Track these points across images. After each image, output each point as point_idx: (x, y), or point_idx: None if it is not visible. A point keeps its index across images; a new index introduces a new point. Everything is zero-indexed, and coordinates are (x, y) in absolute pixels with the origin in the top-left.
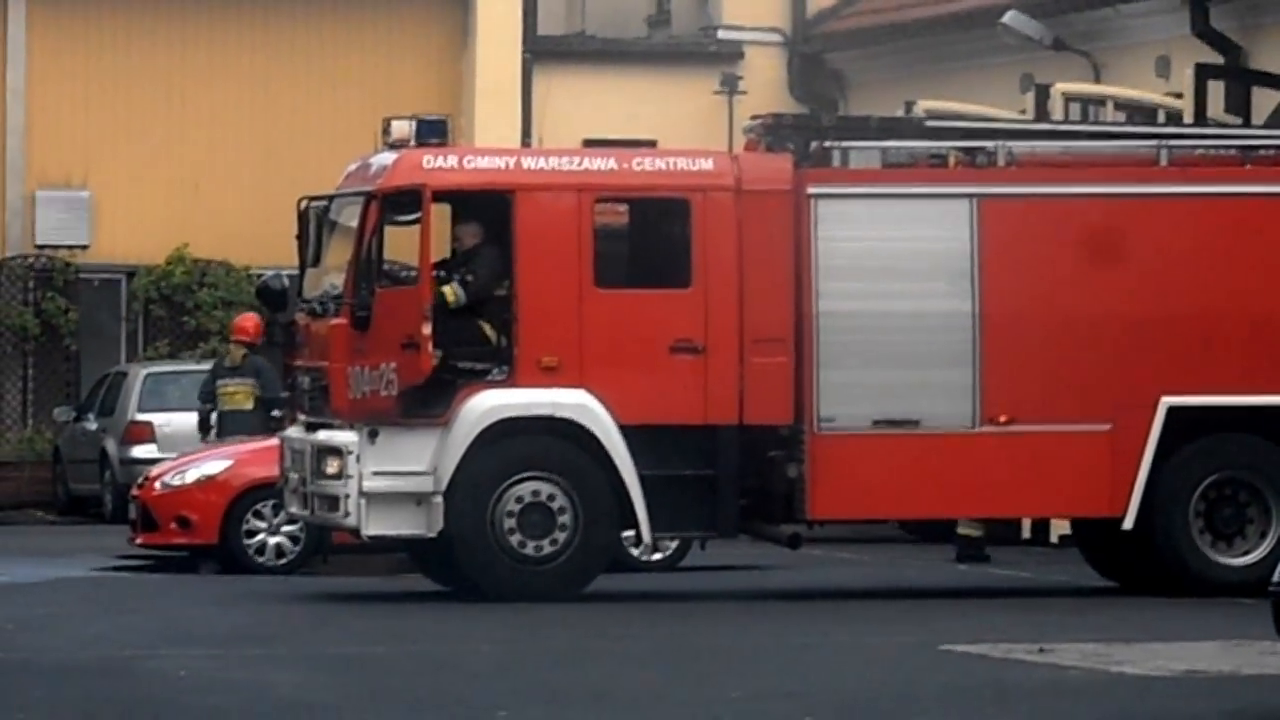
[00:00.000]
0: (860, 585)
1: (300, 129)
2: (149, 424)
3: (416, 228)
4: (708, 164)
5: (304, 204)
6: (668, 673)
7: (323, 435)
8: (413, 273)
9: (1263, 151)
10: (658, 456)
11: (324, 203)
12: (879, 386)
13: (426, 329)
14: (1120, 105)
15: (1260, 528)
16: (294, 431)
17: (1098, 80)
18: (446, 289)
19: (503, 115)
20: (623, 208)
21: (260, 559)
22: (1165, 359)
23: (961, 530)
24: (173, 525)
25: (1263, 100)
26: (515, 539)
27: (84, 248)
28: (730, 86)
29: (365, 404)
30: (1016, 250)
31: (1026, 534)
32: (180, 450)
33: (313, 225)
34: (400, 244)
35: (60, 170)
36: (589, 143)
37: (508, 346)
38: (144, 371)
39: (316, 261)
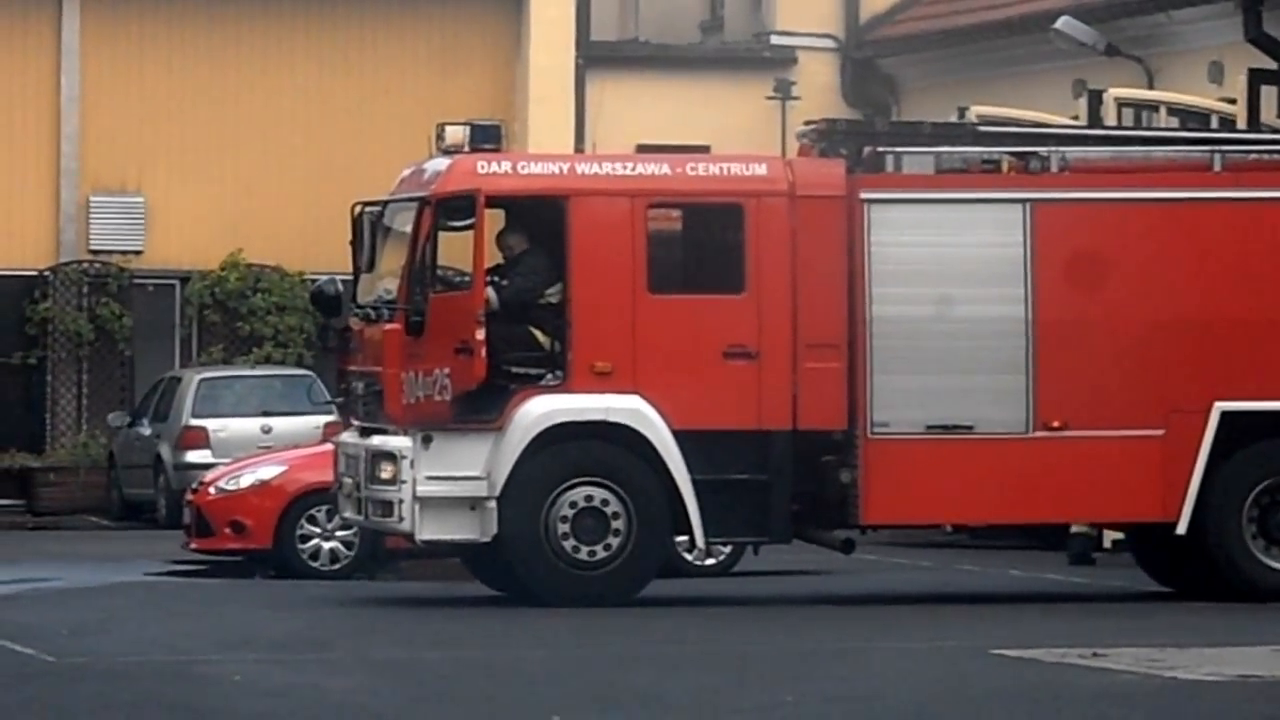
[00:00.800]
0: (913, 590)
1: (354, 134)
2: (203, 429)
3: (470, 233)
4: (761, 169)
5: (358, 209)
6: (720, 677)
7: (377, 440)
8: (466, 278)
9: None
10: (711, 461)
11: (378, 208)
12: (932, 391)
13: (480, 334)
14: (1173, 110)
15: None
16: (348, 436)
17: (1150, 86)
18: (488, 292)
19: (556, 121)
20: (676, 213)
21: (314, 564)
22: (1218, 364)
23: (1075, 530)
24: (227, 530)
25: None
26: (569, 544)
27: (138, 253)
28: (783, 92)
29: (419, 409)
30: (1070, 255)
31: None
32: (234, 455)
33: (367, 231)
34: (454, 250)
35: (115, 176)
36: (642, 148)
37: (561, 351)
38: (198, 377)
39: (371, 267)
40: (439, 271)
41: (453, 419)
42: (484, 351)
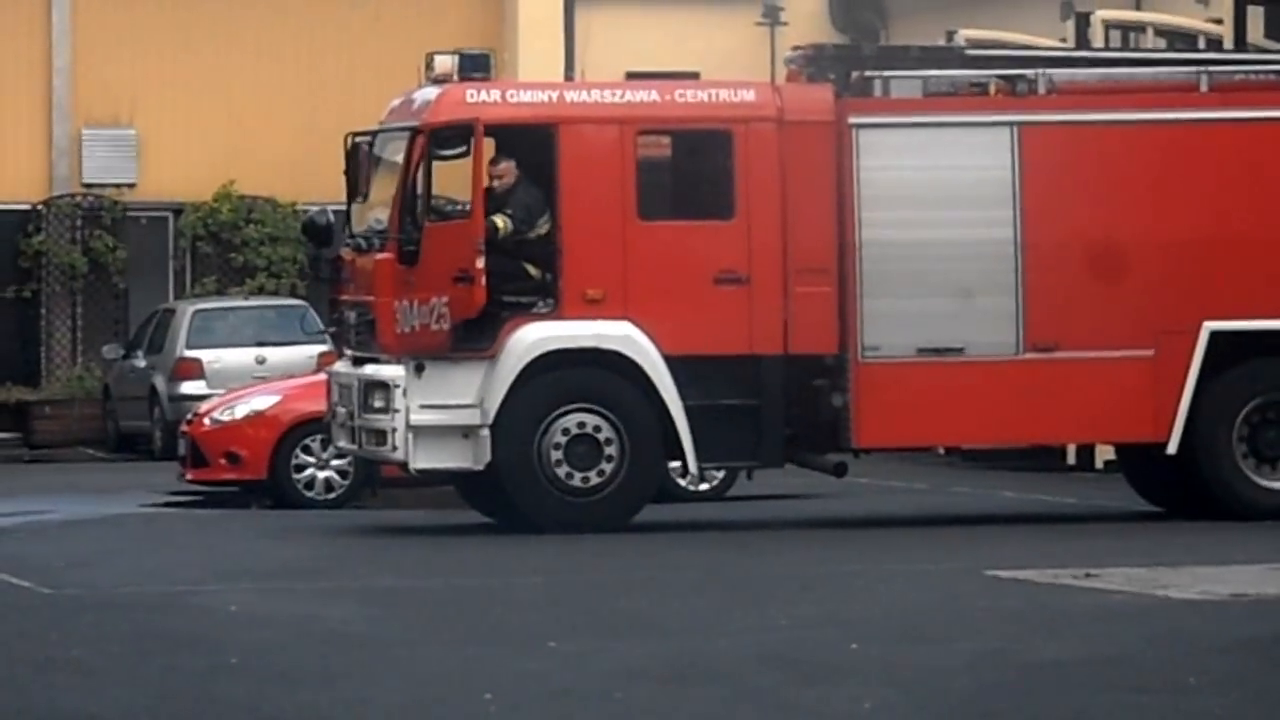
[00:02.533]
0: (906, 513)
1: (345, 65)
2: (198, 360)
3: (457, 163)
4: (750, 95)
5: (351, 140)
6: (715, 602)
7: (369, 370)
8: (460, 207)
9: None
10: (703, 387)
11: (369, 138)
12: (923, 315)
13: (480, 262)
14: (1160, 32)
15: None
16: (341, 366)
17: (1138, 7)
18: (497, 219)
19: (546, 49)
20: (665, 140)
21: (309, 494)
22: (1207, 284)
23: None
24: (222, 461)
25: None
26: (562, 471)
27: (131, 186)
28: (772, 18)
29: (414, 338)
30: (1058, 177)
31: (1072, 460)
32: (229, 386)
33: (362, 161)
34: (441, 179)
35: (107, 109)
36: (631, 75)
37: (553, 280)
38: (192, 308)
39: (365, 197)
40: (432, 201)
41: (449, 348)
42: (483, 280)
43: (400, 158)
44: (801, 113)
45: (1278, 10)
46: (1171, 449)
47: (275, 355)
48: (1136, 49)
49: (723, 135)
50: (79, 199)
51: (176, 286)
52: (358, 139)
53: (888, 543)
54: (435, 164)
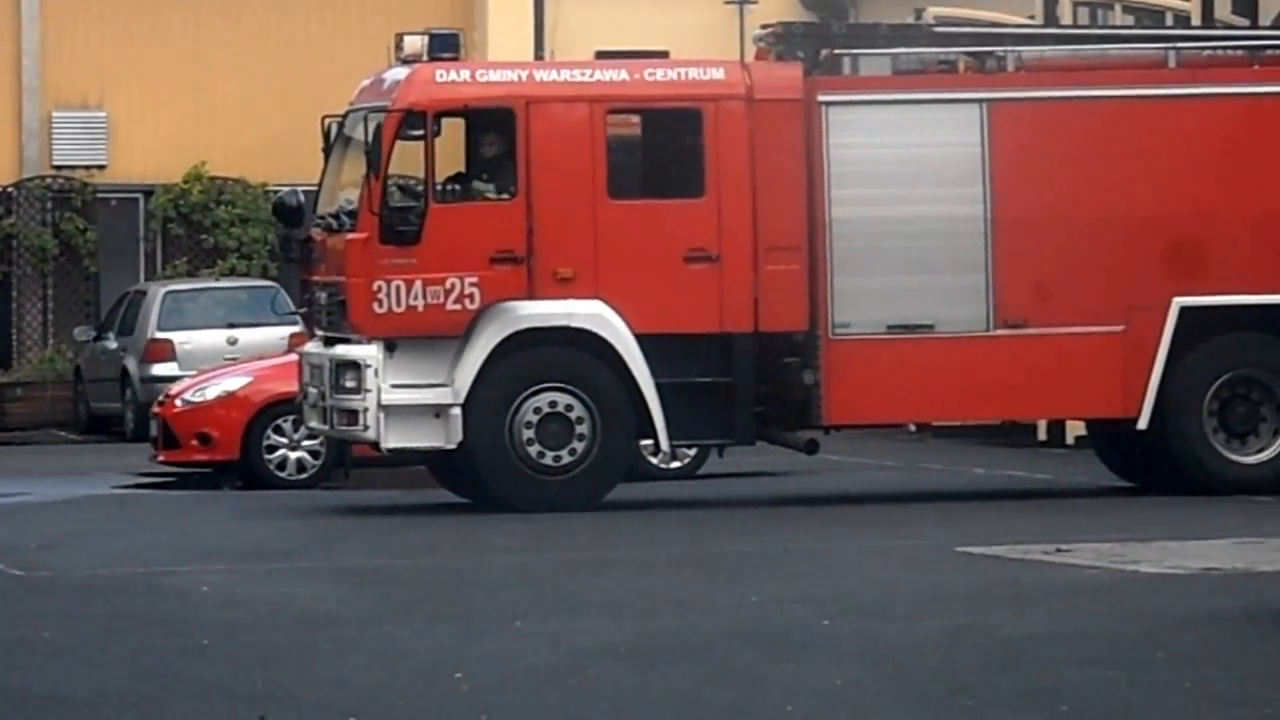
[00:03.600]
0: (877, 490)
1: (315, 46)
2: (169, 342)
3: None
4: (719, 73)
5: (328, 121)
6: (687, 579)
7: (340, 350)
8: (483, 186)
9: (1270, 52)
10: (674, 365)
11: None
12: (892, 291)
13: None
14: (1128, 8)
15: (1274, 425)
16: (312, 347)
17: None
18: None
19: (515, 29)
20: (635, 118)
21: (281, 474)
22: (1176, 260)
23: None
24: (194, 442)
25: (1270, 1)
26: (534, 450)
27: (101, 168)
28: None
29: (410, 318)
30: (1027, 154)
31: (1043, 436)
32: (200, 367)
33: (338, 141)
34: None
35: (76, 91)
36: (601, 54)
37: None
38: (163, 290)
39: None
40: (401, 181)
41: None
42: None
43: (370, 137)
44: (771, 91)
45: None
46: (1142, 424)
47: (246, 336)
48: (1105, 26)
49: (692, 114)
50: (49, 181)
51: (147, 268)
52: (332, 120)
53: (859, 519)
54: (413, 144)
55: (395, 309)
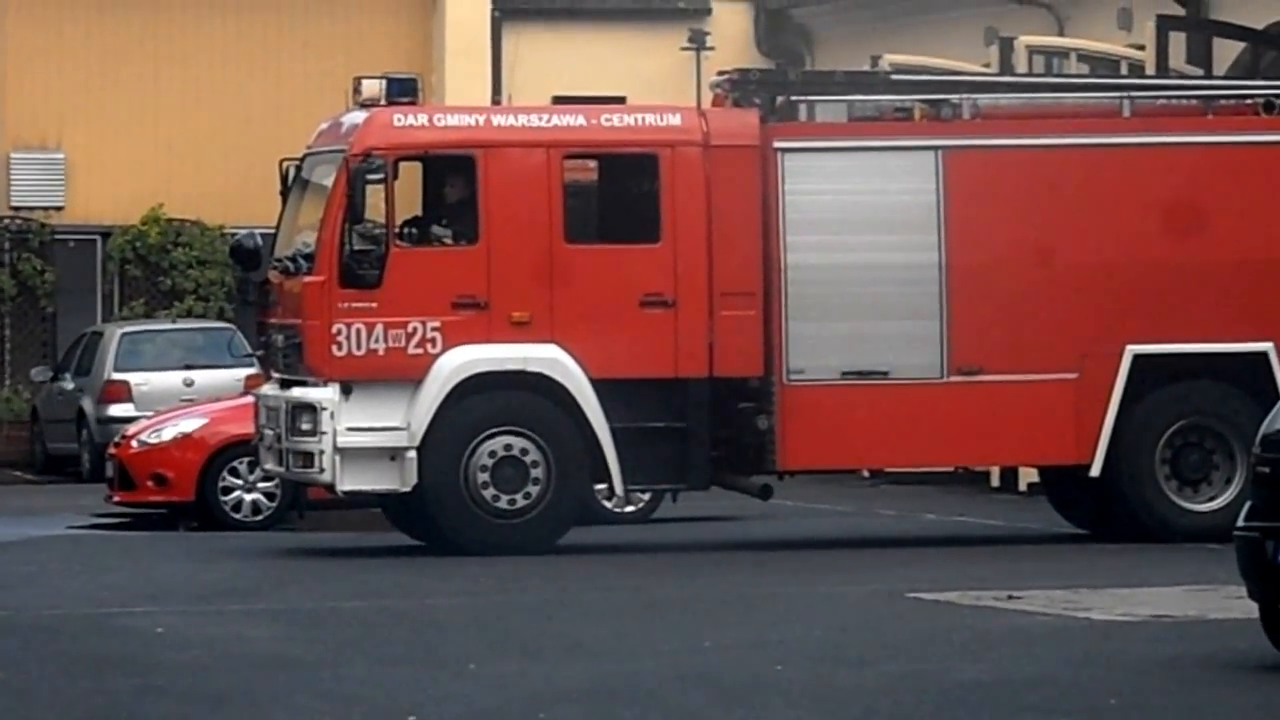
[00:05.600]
0: (830, 535)
1: (273, 89)
2: (125, 383)
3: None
4: (676, 119)
5: (285, 164)
6: (640, 623)
7: (297, 392)
8: (443, 231)
9: (1224, 101)
10: (629, 410)
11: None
12: (847, 338)
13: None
14: (1083, 57)
15: (1225, 474)
16: (269, 388)
17: (1061, 33)
18: None
19: (473, 73)
20: (592, 164)
21: (236, 515)
22: (1130, 307)
23: None
24: (149, 483)
25: (1223, 51)
26: (489, 493)
27: (59, 209)
28: (698, 43)
29: (371, 361)
30: (982, 202)
31: (995, 482)
32: (156, 408)
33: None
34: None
35: (35, 132)
36: (558, 99)
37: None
38: (120, 331)
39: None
40: (364, 225)
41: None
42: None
43: (327, 181)
44: (727, 137)
45: (1198, 37)
46: (1095, 471)
47: (203, 378)
48: (1060, 74)
49: (649, 159)
50: (6, 222)
51: (105, 309)
52: (290, 163)
53: (812, 564)
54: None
55: (355, 352)
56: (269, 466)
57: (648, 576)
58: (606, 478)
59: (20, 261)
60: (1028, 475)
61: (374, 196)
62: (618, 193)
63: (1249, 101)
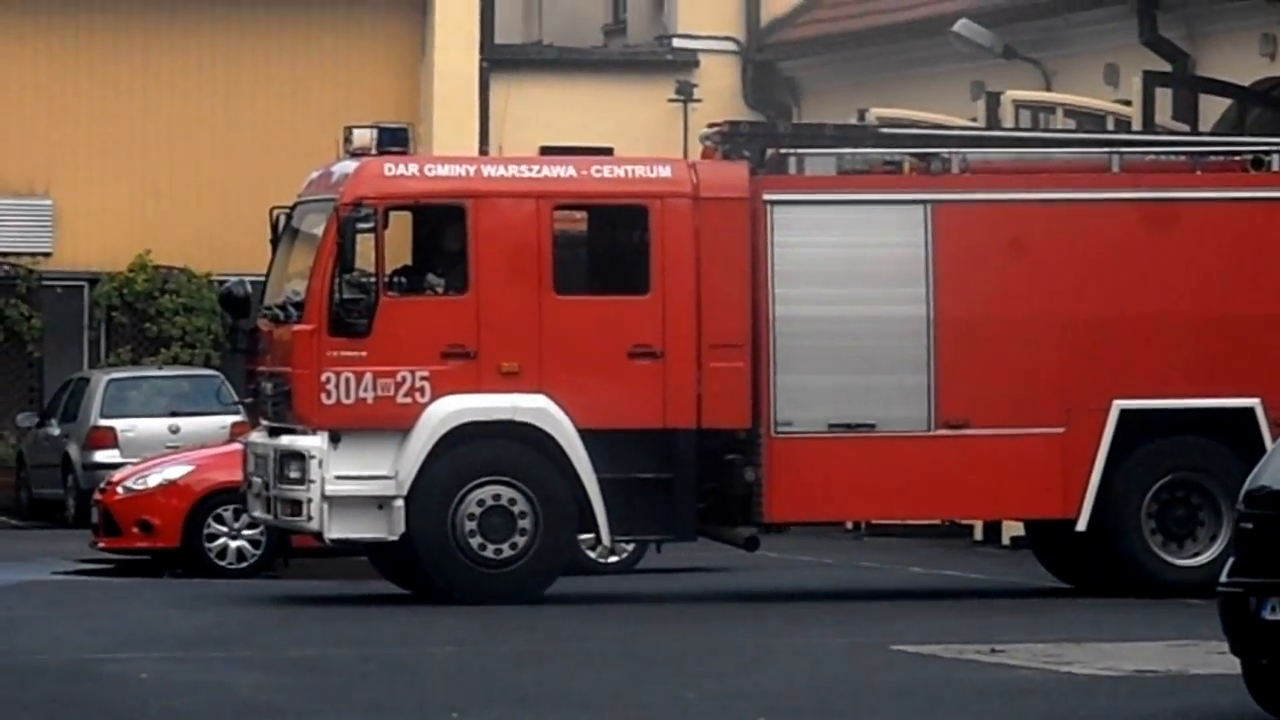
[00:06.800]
0: (815, 587)
1: (261, 137)
2: (111, 429)
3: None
4: (666, 171)
5: (276, 213)
6: (624, 674)
7: (285, 440)
8: (434, 280)
9: (1211, 157)
10: (616, 460)
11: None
12: (835, 390)
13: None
14: (1070, 112)
15: (1211, 530)
16: (257, 436)
17: (1048, 88)
18: None
19: (461, 124)
20: (582, 215)
21: (222, 562)
22: (1117, 362)
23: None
24: (135, 529)
25: (1210, 107)
26: (476, 542)
27: (46, 255)
28: (685, 94)
29: (361, 410)
30: (970, 256)
31: (979, 535)
32: (142, 455)
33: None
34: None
35: (22, 178)
36: (546, 150)
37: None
38: (106, 378)
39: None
40: (355, 273)
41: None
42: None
43: (317, 229)
44: (717, 189)
45: (1185, 93)
46: (1081, 526)
47: (189, 425)
48: (1047, 129)
49: (639, 211)
50: None
51: (91, 355)
52: (280, 212)
53: (796, 616)
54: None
55: (344, 400)
56: (257, 514)
57: (632, 627)
58: (593, 528)
59: (7, 307)
60: (1011, 529)
61: (364, 245)
62: (607, 244)
63: (1237, 158)
